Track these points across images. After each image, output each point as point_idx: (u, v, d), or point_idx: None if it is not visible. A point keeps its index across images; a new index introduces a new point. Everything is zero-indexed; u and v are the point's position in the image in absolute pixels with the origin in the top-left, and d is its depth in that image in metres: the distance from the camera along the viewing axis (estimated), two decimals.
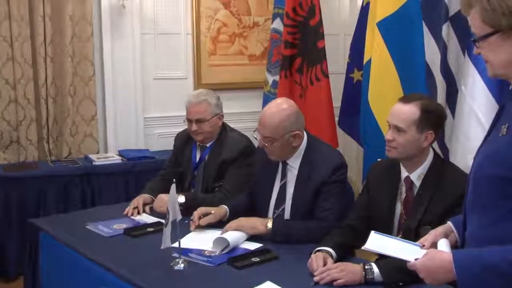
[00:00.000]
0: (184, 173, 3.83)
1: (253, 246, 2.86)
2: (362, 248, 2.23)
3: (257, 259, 2.66)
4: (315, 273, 2.45)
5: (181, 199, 3.40)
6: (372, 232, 2.35)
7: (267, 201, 3.20)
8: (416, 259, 1.91)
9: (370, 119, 4.01)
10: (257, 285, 2.37)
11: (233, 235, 2.87)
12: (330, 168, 3.05)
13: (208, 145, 3.74)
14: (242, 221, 2.97)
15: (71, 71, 4.72)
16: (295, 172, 3.13)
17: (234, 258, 2.67)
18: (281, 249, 2.79)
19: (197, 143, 3.79)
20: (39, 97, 4.64)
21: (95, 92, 4.86)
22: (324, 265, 2.49)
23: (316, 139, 3.25)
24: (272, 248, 2.79)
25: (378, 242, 2.27)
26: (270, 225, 2.93)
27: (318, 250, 2.60)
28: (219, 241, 2.85)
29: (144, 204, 3.52)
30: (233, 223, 2.96)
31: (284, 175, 3.17)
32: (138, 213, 3.44)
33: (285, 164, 3.17)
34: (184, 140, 3.84)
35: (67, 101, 4.73)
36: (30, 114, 4.63)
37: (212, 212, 3.12)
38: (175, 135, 4.02)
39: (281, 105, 3.10)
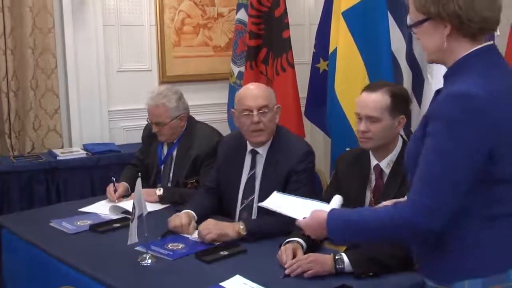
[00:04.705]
0: (150, 167, 3.79)
1: None
2: (259, 204, 2.36)
3: (226, 253, 2.64)
4: (285, 266, 2.43)
5: (159, 191, 3.50)
6: (275, 192, 2.59)
7: (235, 193, 3.18)
8: (304, 218, 2.14)
9: (336, 109, 4.01)
10: (226, 279, 2.35)
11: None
12: (299, 155, 3.06)
13: (175, 141, 3.70)
14: (211, 226, 2.86)
15: (32, 64, 4.60)
16: (263, 160, 3.15)
17: (202, 252, 2.64)
18: (248, 243, 2.76)
19: None
20: None
21: (57, 85, 4.76)
22: (294, 256, 2.47)
23: (283, 128, 3.29)
24: (239, 242, 2.77)
25: (277, 200, 2.51)
26: (243, 230, 2.84)
27: (288, 242, 2.59)
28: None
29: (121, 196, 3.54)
30: (204, 229, 2.83)
31: (253, 165, 3.17)
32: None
33: (255, 153, 3.17)
34: (151, 132, 3.78)
35: (29, 95, 4.61)
36: None
37: (183, 222, 2.97)
38: (142, 127, 3.99)
39: (258, 83, 3.41)
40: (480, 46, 1.79)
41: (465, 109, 1.68)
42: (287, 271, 2.40)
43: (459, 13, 1.74)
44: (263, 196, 2.94)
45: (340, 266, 2.38)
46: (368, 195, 2.79)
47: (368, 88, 2.80)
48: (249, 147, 3.20)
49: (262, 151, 3.16)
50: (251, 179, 3.16)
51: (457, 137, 1.69)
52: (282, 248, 2.54)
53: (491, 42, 1.82)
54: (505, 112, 1.71)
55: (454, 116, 1.68)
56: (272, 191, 2.85)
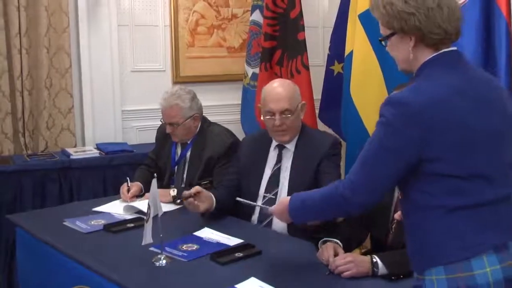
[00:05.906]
0: (163, 168, 3.78)
1: (233, 241, 2.81)
2: (237, 199, 2.85)
3: (241, 255, 2.62)
4: (330, 262, 2.45)
5: (173, 191, 3.51)
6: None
7: (255, 188, 3.20)
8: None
9: (352, 112, 3.99)
10: (241, 281, 2.33)
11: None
12: (329, 143, 3.12)
13: (188, 142, 3.69)
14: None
15: (47, 63, 4.61)
16: (290, 154, 3.17)
17: (217, 254, 2.62)
18: (263, 244, 2.74)
19: None
20: (14, 90, 4.52)
21: (71, 85, 4.76)
22: (335, 255, 2.50)
23: (306, 125, 3.31)
24: (254, 243, 2.74)
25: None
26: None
27: (325, 241, 2.63)
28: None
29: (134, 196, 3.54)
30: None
31: (280, 159, 3.19)
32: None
33: (281, 147, 3.19)
34: (165, 133, 3.77)
35: (43, 94, 4.62)
36: (5, 107, 4.52)
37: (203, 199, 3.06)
38: (155, 127, 3.98)
39: (284, 80, 3.31)
40: (437, 53, 1.90)
41: (398, 115, 1.81)
42: (331, 267, 2.44)
43: (420, 27, 1.87)
44: (292, 188, 3.00)
45: (376, 269, 2.40)
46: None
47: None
48: (275, 142, 3.23)
49: (290, 145, 3.19)
50: (276, 173, 3.18)
51: (391, 138, 1.84)
52: (323, 246, 2.58)
53: (451, 48, 1.92)
54: (444, 115, 1.80)
55: (390, 119, 1.83)
56: (302, 184, 2.96)
